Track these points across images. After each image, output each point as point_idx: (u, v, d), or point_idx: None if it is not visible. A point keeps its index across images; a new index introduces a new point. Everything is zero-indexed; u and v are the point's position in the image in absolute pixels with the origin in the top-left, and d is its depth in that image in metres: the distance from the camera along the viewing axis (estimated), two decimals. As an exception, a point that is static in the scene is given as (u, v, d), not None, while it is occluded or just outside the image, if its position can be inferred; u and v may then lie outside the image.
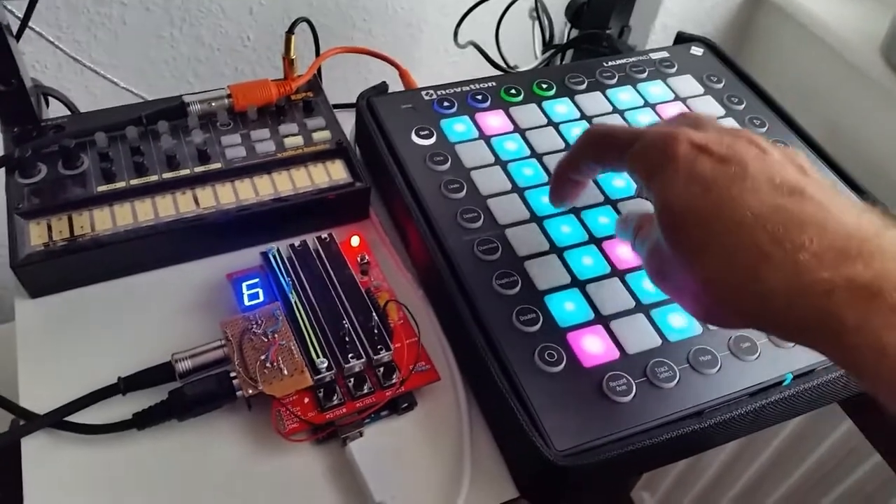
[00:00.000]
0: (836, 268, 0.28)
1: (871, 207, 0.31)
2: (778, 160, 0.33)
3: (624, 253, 0.47)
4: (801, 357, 0.43)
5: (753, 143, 0.33)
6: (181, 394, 0.40)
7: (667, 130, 0.34)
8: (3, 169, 0.49)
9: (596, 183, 0.51)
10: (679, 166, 0.32)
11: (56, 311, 0.46)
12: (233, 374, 0.41)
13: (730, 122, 0.57)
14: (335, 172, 0.52)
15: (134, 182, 0.49)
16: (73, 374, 0.43)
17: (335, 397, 0.41)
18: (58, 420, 0.41)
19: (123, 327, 0.46)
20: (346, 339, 0.42)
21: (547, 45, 0.74)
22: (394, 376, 0.42)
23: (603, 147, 0.38)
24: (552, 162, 0.52)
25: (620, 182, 0.51)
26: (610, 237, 0.48)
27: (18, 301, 0.47)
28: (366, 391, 0.41)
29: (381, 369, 0.42)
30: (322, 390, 0.41)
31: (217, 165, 0.51)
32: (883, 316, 0.26)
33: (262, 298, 0.45)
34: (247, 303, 0.45)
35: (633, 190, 0.51)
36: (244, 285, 0.46)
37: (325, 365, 0.41)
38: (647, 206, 0.37)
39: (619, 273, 0.46)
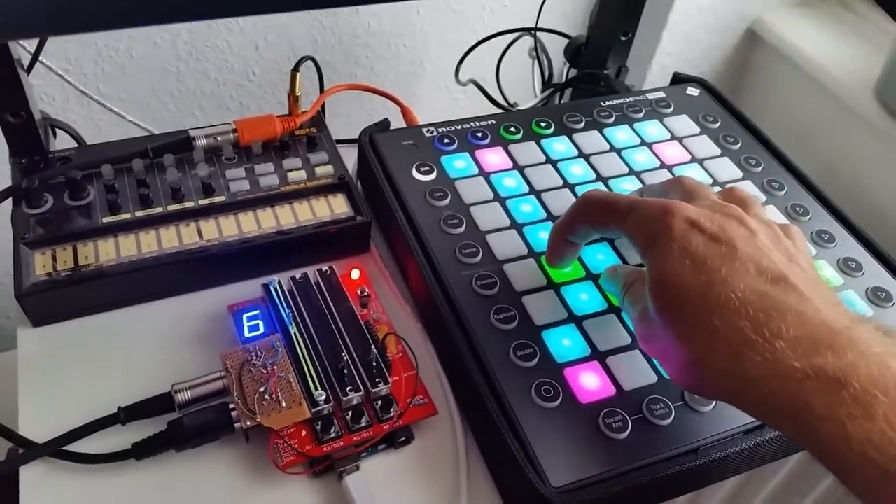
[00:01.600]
0: (809, 357, 0.29)
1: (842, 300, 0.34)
2: (765, 244, 0.34)
3: (620, 289, 0.47)
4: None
5: (743, 224, 0.35)
6: (180, 424, 0.41)
7: (663, 204, 0.36)
8: (10, 199, 0.50)
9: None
10: (673, 241, 0.34)
11: (58, 340, 0.47)
12: (231, 406, 0.41)
13: (724, 163, 0.58)
14: (337, 206, 0.53)
15: (139, 214, 0.50)
16: (73, 404, 0.43)
17: (332, 430, 0.41)
18: (56, 449, 0.41)
19: (125, 358, 0.46)
20: (345, 371, 0.43)
21: (546, 84, 0.75)
22: (391, 410, 0.42)
23: (599, 214, 0.40)
24: (550, 199, 0.53)
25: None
26: (607, 274, 0.48)
27: (21, 330, 0.47)
28: (363, 424, 0.42)
29: (379, 402, 0.43)
30: (319, 423, 0.41)
31: (221, 198, 0.51)
32: (847, 406, 0.27)
33: (262, 330, 0.46)
34: (247, 334, 0.45)
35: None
36: (245, 317, 0.46)
37: (323, 398, 0.41)
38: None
39: (615, 309, 0.46)
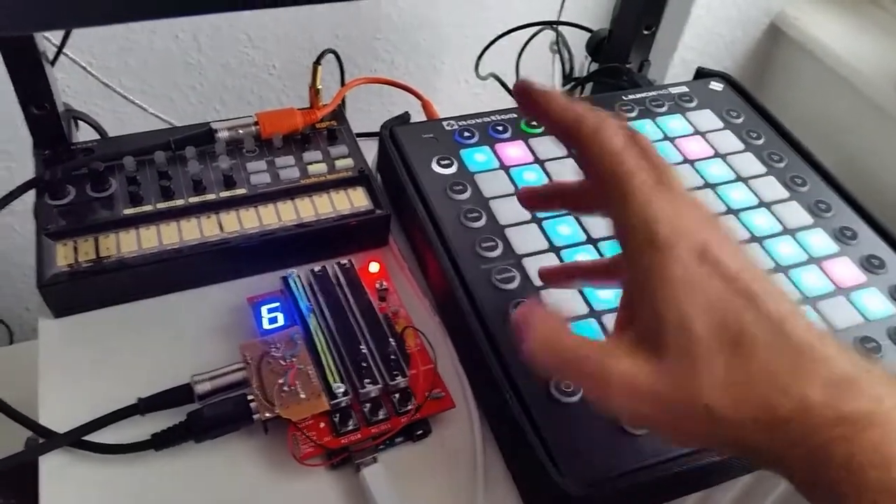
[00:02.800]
0: (834, 404, 0.27)
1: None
2: (745, 255, 0.31)
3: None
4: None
5: (735, 250, 0.31)
6: (199, 415, 0.41)
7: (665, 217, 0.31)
8: (34, 190, 0.50)
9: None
10: (685, 277, 0.29)
11: (79, 331, 0.47)
12: (250, 398, 0.41)
13: (748, 158, 0.57)
14: (357, 199, 0.53)
15: (160, 206, 0.50)
16: (93, 394, 0.43)
17: (350, 422, 0.41)
18: (76, 439, 0.41)
19: (145, 349, 0.46)
20: (363, 364, 0.43)
21: (567, 78, 0.74)
22: (409, 403, 0.42)
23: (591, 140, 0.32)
24: (571, 193, 0.52)
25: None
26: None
27: (42, 320, 0.48)
28: (381, 417, 0.42)
29: (397, 395, 0.43)
30: (338, 415, 0.41)
31: (242, 191, 0.52)
32: (869, 455, 0.26)
33: (281, 322, 0.46)
34: (266, 326, 0.45)
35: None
36: (264, 309, 0.46)
37: (342, 390, 0.41)
38: None
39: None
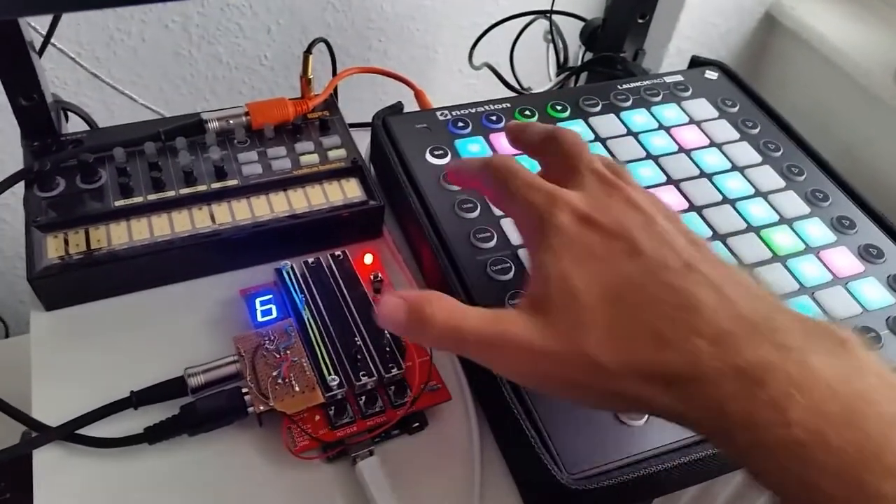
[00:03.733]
0: (725, 356, 0.27)
1: (758, 284, 0.30)
2: (664, 228, 0.31)
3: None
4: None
5: (634, 206, 0.32)
6: (193, 409, 0.41)
7: (549, 194, 0.32)
8: (23, 182, 0.49)
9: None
10: (566, 239, 0.31)
11: (71, 324, 0.47)
12: (244, 390, 0.41)
13: (744, 147, 0.57)
14: (350, 190, 0.53)
15: (151, 197, 0.49)
16: (86, 388, 0.43)
17: (346, 415, 0.41)
18: (69, 433, 0.41)
19: (137, 342, 0.46)
20: (358, 356, 0.42)
21: (561, 67, 0.74)
22: (405, 395, 0.42)
23: (498, 182, 0.35)
24: (566, 183, 0.52)
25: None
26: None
27: (34, 313, 0.47)
28: (377, 409, 0.41)
29: (393, 388, 0.42)
30: (333, 408, 0.41)
31: (234, 182, 0.51)
32: (764, 411, 0.25)
33: (275, 315, 0.45)
34: (260, 319, 0.45)
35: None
36: (257, 301, 0.46)
37: (337, 382, 0.41)
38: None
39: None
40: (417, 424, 0.43)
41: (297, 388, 0.41)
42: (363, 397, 0.42)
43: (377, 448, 0.41)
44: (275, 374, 0.41)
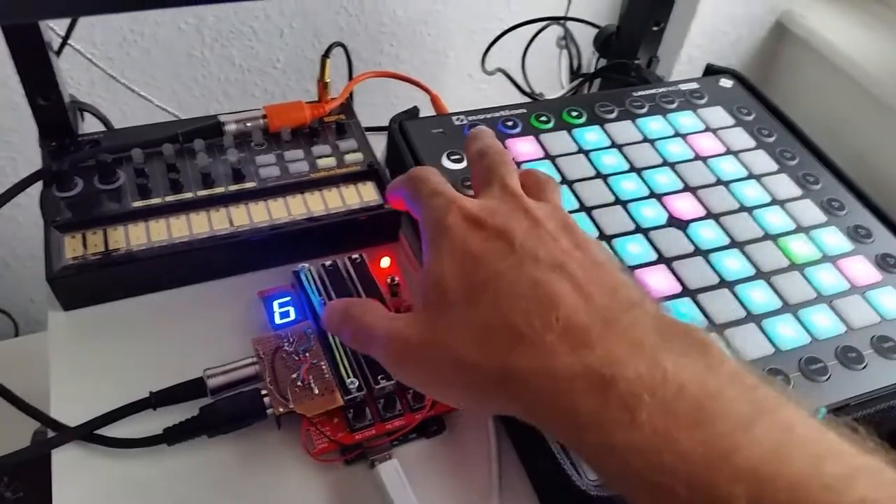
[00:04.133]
0: (577, 352, 0.26)
1: (628, 281, 0.30)
2: (550, 232, 0.31)
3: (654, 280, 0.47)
4: (834, 392, 0.42)
5: (529, 215, 0.32)
6: (213, 410, 0.40)
7: (448, 200, 0.33)
8: (39, 182, 0.49)
9: (628, 212, 0.51)
10: (451, 241, 0.31)
11: (88, 324, 0.47)
12: (264, 392, 0.41)
13: (760, 156, 0.57)
14: (366, 194, 0.53)
15: (169, 199, 0.49)
16: (104, 388, 0.43)
17: (365, 418, 0.41)
18: (88, 433, 0.41)
19: (155, 342, 0.46)
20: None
21: (575, 73, 0.74)
22: (424, 398, 0.42)
23: (410, 191, 0.36)
24: (583, 189, 0.52)
25: (652, 212, 0.51)
26: (640, 266, 0.48)
27: (52, 313, 0.47)
28: (396, 413, 0.41)
29: (411, 391, 0.42)
30: (352, 411, 0.41)
31: (251, 184, 0.51)
32: (612, 411, 0.24)
33: (293, 317, 0.45)
34: (278, 321, 0.45)
35: (665, 220, 0.51)
36: (276, 303, 0.46)
37: (356, 385, 0.41)
38: None
39: (650, 302, 0.46)
40: (436, 428, 0.43)
41: (316, 391, 0.41)
42: (382, 400, 0.42)
43: (395, 451, 0.41)
44: (294, 376, 0.41)
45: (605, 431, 0.24)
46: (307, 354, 0.42)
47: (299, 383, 0.41)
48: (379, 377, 0.42)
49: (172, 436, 0.40)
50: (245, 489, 0.40)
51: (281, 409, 0.40)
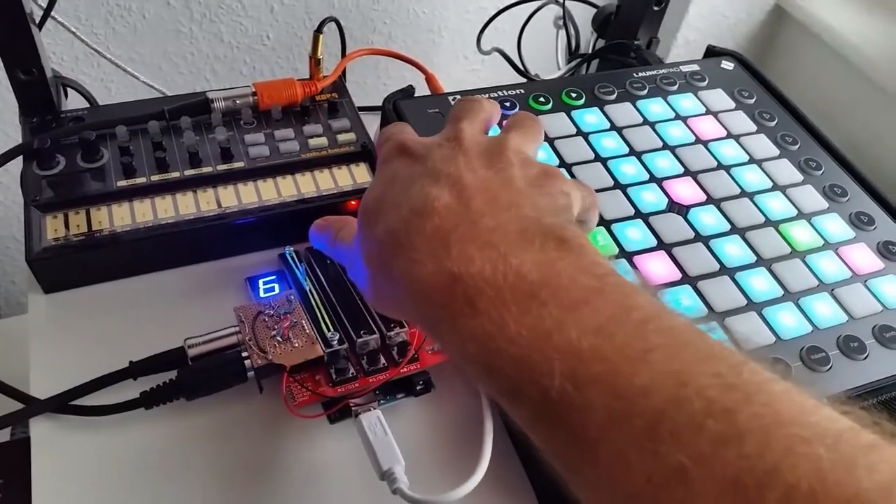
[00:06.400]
0: (437, 256, 0.28)
1: (538, 200, 0.31)
2: (468, 156, 0.32)
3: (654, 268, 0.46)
4: (836, 382, 0.42)
5: (460, 146, 0.33)
6: (191, 372, 0.39)
7: (386, 134, 0.36)
8: (20, 159, 0.48)
9: (628, 197, 0.50)
10: (381, 164, 0.35)
11: (70, 307, 0.45)
12: (244, 354, 0.40)
13: (761, 140, 0.56)
14: (359, 175, 0.51)
15: (155, 178, 0.48)
16: (85, 372, 0.41)
17: (347, 372, 0.40)
18: (64, 403, 0.39)
19: (139, 327, 0.44)
20: (359, 315, 0.42)
21: (573, 54, 0.73)
22: (406, 353, 0.41)
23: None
24: (582, 172, 0.51)
25: (652, 196, 0.50)
26: (639, 252, 0.47)
27: (32, 296, 0.45)
28: (380, 366, 0.41)
29: (395, 348, 0.42)
30: (334, 367, 0.40)
31: (240, 164, 0.49)
32: (458, 303, 0.26)
33: (277, 291, 0.45)
34: (262, 295, 0.44)
35: (665, 205, 0.50)
36: (261, 282, 0.45)
37: (337, 338, 0.40)
38: None
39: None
40: (423, 385, 0.42)
41: (296, 344, 0.40)
42: (365, 357, 0.41)
43: (382, 410, 0.40)
44: (273, 332, 0.40)
45: (453, 322, 0.26)
46: (288, 315, 0.41)
47: (279, 338, 0.40)
48: (361, 332, 0.41)
49: (150, 399, 0.39)
50: (228, 453, 0.39)
51: (259, 361, 0.39)
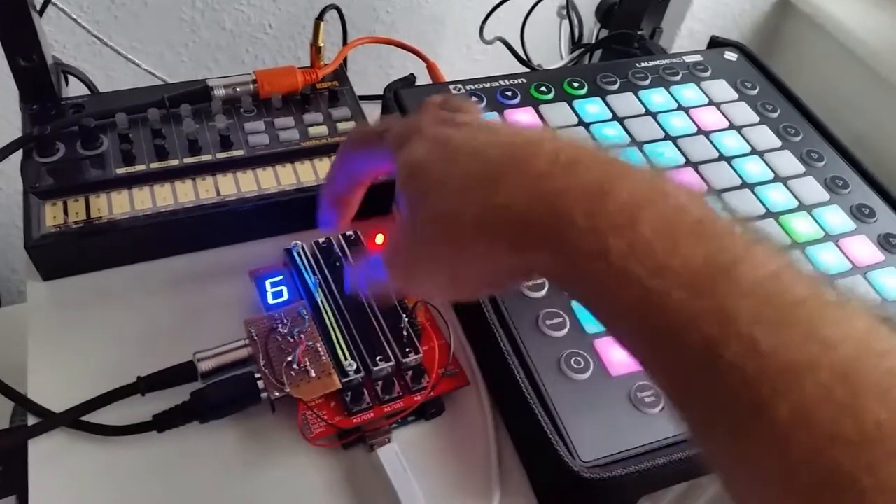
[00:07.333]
0: (567, 176, 0.25)
1: None
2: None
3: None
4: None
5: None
6: (204, 395, 0.39)
7: (417, 115, 0.34)
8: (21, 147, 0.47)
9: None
10: (424, 134, 0.31)
11: (69, 295, 0.45)
12: (257, 376, 0.39)
13: (763, 131, 0.55)
14: (359, 164, 0.51)
15: (154, 166, 0.48)
16: (85, 362, 0.41)
17: (363, 402, 0.39)
18: (73, 419, 0.39)
19: (139, 315, 0.44)
20: (375, 340, 0.41)
21: (576, 44, 0.72)
22: (422, 380, 0.41)
23: (364, 138, 0.36)
24: (582, 163, 0.51)
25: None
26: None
27: (31, 283, 0.45)
28: (394, 395, 0.40)
29: (410, 373, 0.41)
30: (349, 394, 0.39)
31: (239, 152, 0.49)
32: (610, 216, 0.24)
33: (286, 297, 0.44)
34: (271, 301, 0.43)
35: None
36: (268, 283, 0.44)
37: (354, 368, 0.40)
38: None
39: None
40: (434, 410, 0.42)
41: (312, 374, 0.39)
42: (380, 383, 0.40)
43: (394, 434, 0.40)
44: (289, 359, 0.39)
45: (603, 235, 0.24)
46: (302, 336, 0.41)
47: (295, 366, 0.39)
48: (377, 358, 0.40)
49: (162, 423, 0.39)
50: (239, 476, 0.39)
51: (276, 394, 0.38)
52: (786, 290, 0.22)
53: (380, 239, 0.48)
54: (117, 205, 0.46)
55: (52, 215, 0.45)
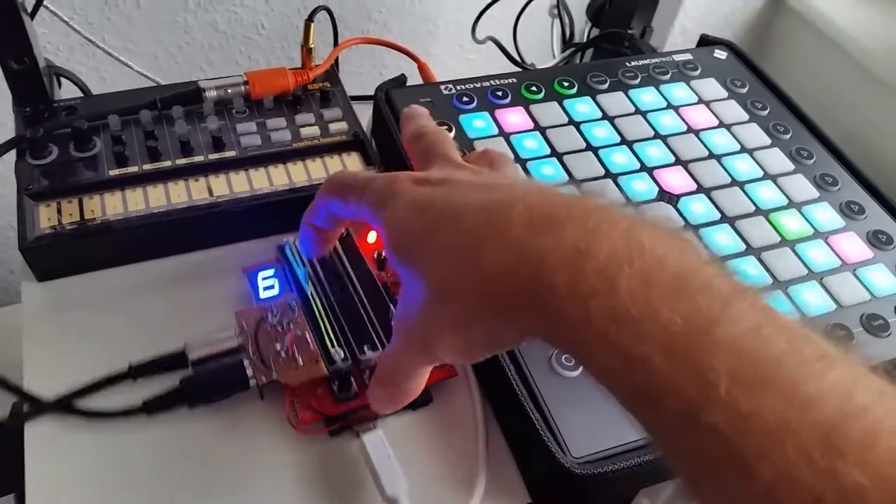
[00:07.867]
0: (546, 236, 0.25)
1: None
2: (486, 175, 0.33)
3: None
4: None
5: (467, 170, 0.34)
6: (194, 380, 0.39)
7: (392, 174, 0.34)
8: (15, 150, 0.48)
9: (618, 186, 0.50)
10: (400, 198, 0.32)
11: (64, 295, 0.45)
12: (246, 362, 0.40)
13: (752, 129, 0.56)
14: (351, 165, 0.52)
15: (147, 167, 0.48)
16: (79, 361, 0.41)
17: (350, 389, 0.40)
18: (65, 405, 0.39)
19: (133, 316, 0.45)
20: (363, 331, 0.42)
21: (567, 43, 0.73)
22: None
23: (340, 191, 0.36)
24: (573, 161, 0.51)
25: (643, 186, 0.50)
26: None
27: (25, 284, 0.46)
28: (383, 384, 0.41)
29: (398, 363, 0.41)
30: (337, 381, 0.40)
31: (232, 153, 0.50)
32: (590, 282, 0.24)
33: (277, 291, 0.44)
34: (262, 295, 0.44)
35: (655, 194, 0.50)
36: (260, 276, 0.45)
37: (341, 356, 0.40)
38: None
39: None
40: (422, 400, 0.42)
41: (300, 361, 0.40)
42: (368, 371, 0.41)
43: (381, 423, 0.40)
44: (278, 346, 0.40)
45: (584, 302, 0.24)
46: (291, 325, 0.41)
47: (283, 353, 0.40)
48: (365, 346, 0.41)
49: (152, 406, 0.39)
50: (227, 461, 0.39)
51: (264, 379, 0.39)
52: (765, 344, 0.22)
53: (372, 237, 0.48)
54: (110, 206, 0.46)
55: (46, 217, 0.45)
